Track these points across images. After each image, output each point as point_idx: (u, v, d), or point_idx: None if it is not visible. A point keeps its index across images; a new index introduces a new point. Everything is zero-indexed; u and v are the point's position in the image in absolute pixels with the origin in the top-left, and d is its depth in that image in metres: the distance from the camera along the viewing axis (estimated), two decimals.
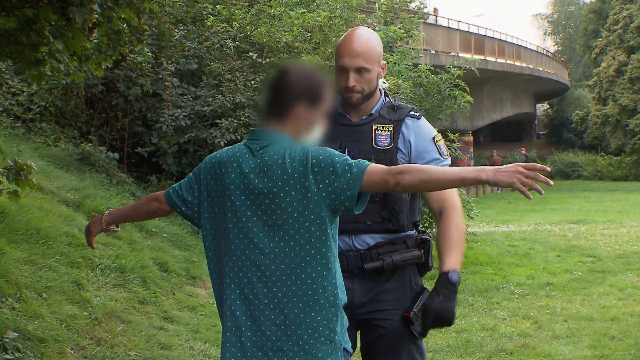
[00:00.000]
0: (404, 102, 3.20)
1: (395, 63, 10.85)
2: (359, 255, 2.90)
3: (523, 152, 40.01)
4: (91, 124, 10.87)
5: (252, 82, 10.71)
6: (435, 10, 32.50)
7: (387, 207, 2.90)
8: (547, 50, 50.06)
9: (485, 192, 31.49)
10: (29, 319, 4.78)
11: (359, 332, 3.00)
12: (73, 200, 7.60)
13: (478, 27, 35.00)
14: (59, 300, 5.28)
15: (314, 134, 2.47)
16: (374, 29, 11.54)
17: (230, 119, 10.28)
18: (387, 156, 2.89)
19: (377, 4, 15.40)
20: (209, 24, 11.70)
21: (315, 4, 12.25)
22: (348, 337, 2.49)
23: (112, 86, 10.65)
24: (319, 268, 2.35)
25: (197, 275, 7.51)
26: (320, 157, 2.34)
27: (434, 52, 27.94)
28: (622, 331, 6.73)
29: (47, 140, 9.82)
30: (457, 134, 10.88)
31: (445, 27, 31.29)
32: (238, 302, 2.39)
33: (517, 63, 36.96)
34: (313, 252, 2.34)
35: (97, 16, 4.09)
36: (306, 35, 11.69)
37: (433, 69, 11.35)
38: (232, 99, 10.45)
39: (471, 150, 33.78)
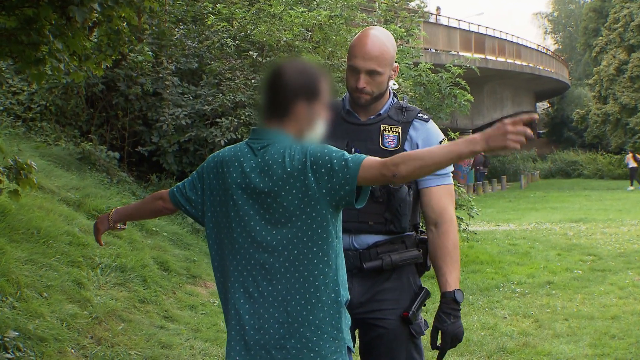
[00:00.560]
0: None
1: (395, 62, 10.83)
2: (358, 255, 2.90)
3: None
4: (91, 123, 10.87)
5: (253, 81, 10.70)
6: (438, 9, 32.51)
7: (391, 209, 2.90)
8: (547, 49, 50.07)
9: (486, 191, 31.49)
10: (29, 318, 4.78)
11: (357, 332, 3.00)
12: (73, 200, 7.60)
13: (478, 25, 35.02)
14: (59, 299, 5.28)
15: (317, 129, 2.48)
16: None
17: (230, 118, 10.28)
18: None
19: (377, 3, 15.38)
20: (209, 23, 11.70)
21: (315, 2, 12.24)
22: (350, 336, 2.49)
23: (113, 85, 10.65)
24: (321, 265, 2.36)
25: (198, 275, 7.51)
26: (319, 154, 2.35)
27: (434, 51, 27.94)
28: (622, 330, 6.73)
29: (47, 139, 9.83)
30: (458, 133, 10.87)
31: (446, 25, 31.30)
32: (242, 301, 2.40)
33: (518, 62, 36.97)
34: (315, 249, 2.35)
35: (97, 15, 4.09)
36: (306, 34, 11.69)
37: (433, 67, 11.35)
38: (232, 98, 10.45)
39: None
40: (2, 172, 4.12)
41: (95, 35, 4.72)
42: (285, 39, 11.08)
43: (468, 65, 11.54)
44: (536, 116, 2.24)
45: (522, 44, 39.02)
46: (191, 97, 10.87)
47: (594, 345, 6.23)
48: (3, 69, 4.33)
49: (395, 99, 3.06)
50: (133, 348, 5.19)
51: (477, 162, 33.40)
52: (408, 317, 2.88)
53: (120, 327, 5.42)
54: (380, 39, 2.91)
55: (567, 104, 52.32)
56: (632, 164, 31.61)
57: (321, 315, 2.36)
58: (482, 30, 34.64)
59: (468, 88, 11.02)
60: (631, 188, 30.06)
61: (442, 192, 2.95)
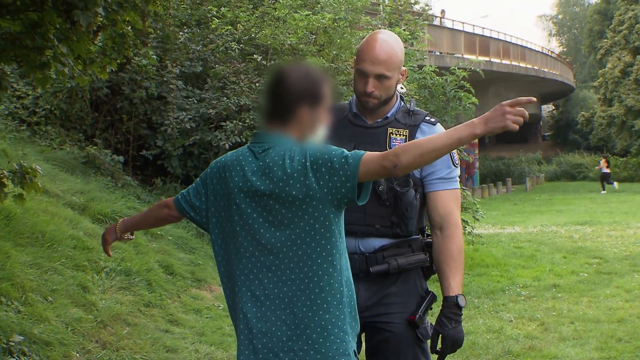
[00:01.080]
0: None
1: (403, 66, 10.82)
2: (364, 258, 2.89)
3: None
4: (96, 127, 10.88)
5: (257, 84, 10.71)
6: (443, 12, 32.47)
7: (397, 212, 2.89)
8: (552, 52, 50.01)
9: (491, 194, 31.45)
10: (34, 323, 4.78)
11: (363, 335, 2.99)
12: (78, 204, 7.61)
13: (483, 28, 35.04)
14: (64, 303, 5.28)
15: (319, 133, 2.47)
16: None
17: (235, 121, 10.29)
18: None
19: (381, 6, 15.40)
20: (213, 26, 11.71)
21: (319, 6, 12.24)
22: (356, 342, 2.48)
23: (117, 89, 10.67)
24: (325, 265, 2.35)
25: (203, 278, 7.51)
26: (318, 154, 2.35)
27: (438, 53, 27.93)
28: (629, 333, 6.70)
29: (52, 143, 9.85)
30: None
31: (450, 28, 31.29)
32: (249, 305, 2.40)
33: (522, 64, 36.94)
34: (318, 249, 2.35)
35: (101, 19, 4.09)
36: (310, 38, 11.68)
37: (438, 70, 11.34)
38: (236, 101, 10.45)
39: (476, 151, 33.75)
40: (7, 176, 4.12)
41: (99, 39, 4.72)
42: (289, 42, 11.08)
43: (472, 68, 11.53)
44: (534, 99, 2.26)
45: (526, 47, 38.99)
46: (196, 101, 10.88)
47: (600, 349, 6.21)
48: (8, 73, 4.33)
49: (403, 102, 3.05)
50: (138, 352, 5.19)
51: None
52: (415, 320, 2.88)
53: (125, 331, 5.42)
54: (389, 43, 2.90)
55: (572, 106, 52.24)
56: (605, 169, 32.93)
57: (327, 316, 2.35)
58: (487, 33, 34.63)
59: (473, 91, 11.00)
60: (604, 192, 30.52)
61: (448, 196, 2.94)
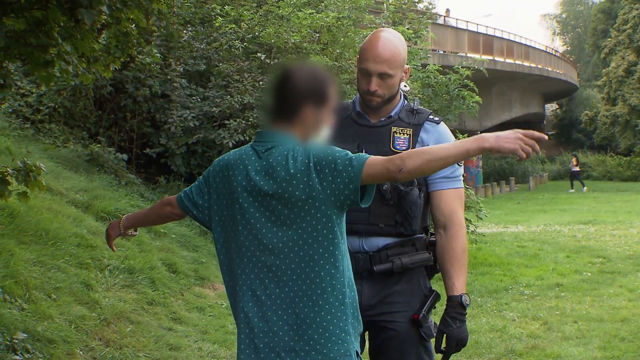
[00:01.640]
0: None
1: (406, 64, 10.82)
2: (368, 257, 2.89)
3: None
4: (100, 125, 10.90)
5: (261, 82, 10.71)
6: (447, 11, 32.43)
7: (401, 211, 2.88)
8: (555, 50, 49.93)
9: (494, 193, 31.43)
10: (38, 320, 4.79)
11: (367, 334, 2.99)
12: (82, 201, 7.61)
13: (486, 27, 35.00)
14: (68, 301, 5.29)
15: (323, 133, 2.47)
16: None
17: (238, 119, 10.29)
18: None
19: (385, 5, 15.38)
20: (217, 24, 11.71)
21: (323, 4, 12.23)
22: (359, 341, 2.48)
23: (121, 87, 10.68)
24: (327, 266, 2.35)
25: (206, 276, 7.51)
26: (322, 155, 2.34)
27: (442, 52, 27.91)
28: (632, 332, 6.69)
29: (56, 141, 9.85)
30: (466, 135, 10.82)
31: (454, 27, 31.26)
32: (250, 304, 2.40)
33: (526, 63, 36.88)
34: (321, 250, 2.34)
35: (105, 17, 4.10)
36: (314, 36, 11.68)
37: (441, 69, 11.33)
38: (240, 99, 10.46)
39: None
40: (11, 174, 4.12)
41: (103, 38, 4.73)
42: (293, 40, 11.08)
43: (476, 67, 11.52)
44: (546, 137, 2.26)
45: (530, 45, 38.93)
46: (199, 99, 10.88)
47: (604, 348, 6.21)
48: (12, 71, 4.33)
49: (406, 101, 3.04)
50: (141, 350, 5.20)
51: None
52: (418, 319, 2.88)
53: (128, 329, 5.43)
54: (392, 41, 2.90)
55: (575, 105, 52.16)
56: (575, 167, 33.36)
57: (329, 317, 2.35)
58: (491, 32, 34.58)
59: (476, 89, 11.00)
60: (572, 190, 30.71)
61: (452, 195, 2.93)
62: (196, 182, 2.62)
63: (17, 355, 4.31)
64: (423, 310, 2.89)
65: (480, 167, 33.53)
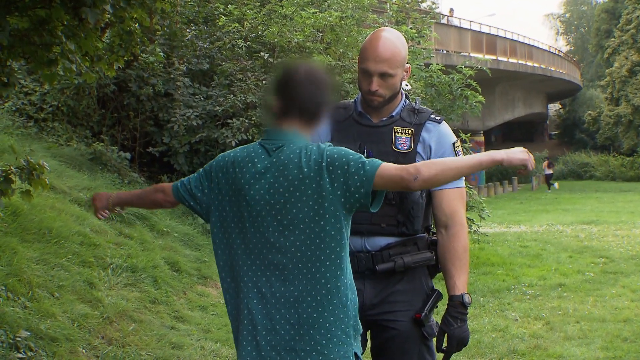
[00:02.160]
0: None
1: (407, 63, 10.81)
2: (370, 257, 2.89)
3: None
4: (103, 124, 10.91)
5: (264, 82, 10.71)
6: (451, 10, 32.38)
7: (403, 211, 2.89)
8: (559, 50, 49.90)
9: (497, 193, 31.41)
10: (41, 318, 4.80)
11: (369, 333, 2.99)
12: (85, 200, 7.62)
13: (490, 27, 34.93)
14: (70, 299, 5.30)
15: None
16: None
17: (241, 118, 10.30)
18: (406, 160, 2.87)
19: (388, 4, 15.38)
20: (220, 23, 11.72)
21: (326, 3, 12.24)
22: (360, 342, 2.49)
23: (124, 86, 10.69)
24: (333, 268, 2.35)
25: (208, 275, 7.52)
26: (335, 155, 2.35)
27: (445, 52, 27.89)
28: (634, 332, 6.69)
29: (59, 139, 9.86)
30: (469, 134, 10.81)
31: (457, 27, 31.23)
32: (255, 301, 2.40)
33: (529, 63, 36.86)
34: (328, 251, 2.34)
35: (109, 16, 4.09)
36: (317, 35, 11.69)
37: (445, 69, 11.32)
38: (243, 98, 10.46)
39: (482, 150, 33.71)
40: (15, 172, 4.13)
41: (107, 36, 4.73)
42: (296, 40, 11.09)
43: (479, 67, 11.51)
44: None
45: (533, 45, 38.90)
46: (202, 98, 10.89)
47: (606, 348, 6.20)
48: (16, 69, 4.34)
49: (408, 101, 3.04)
50: (144, 348, 5.20)
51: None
52: (420, 319, 2.88)
53: (131, 328, 5.43)
54: (392, 40, 2.90)
55: (579, 105, 52.12)
56: (548, 170, 33.97)
57: (331, 318, 2.35)
58: (494, 32, 34.55)
59: (479, 89, 10.98)
60: (549, 191, 31.07)
61: (453, 194, 2.93)
62: (195, 175, 2.59)
63: (20, 353, 4.31)
64: (425, 309, 2.89)
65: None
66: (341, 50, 11.50)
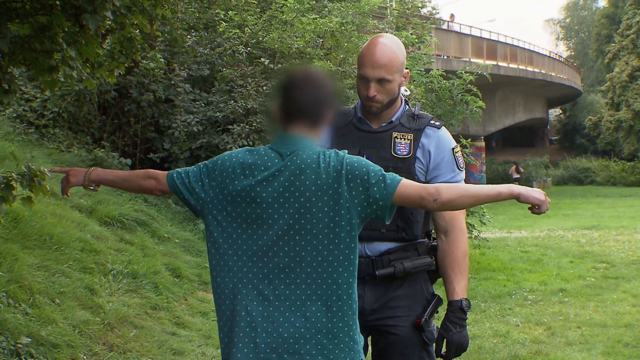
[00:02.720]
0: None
1: (406, 69, 10.83)
2: (370, 262, 2.90)
3: None
4: (104, 130, 10.92)
5: (264, 87, 10.73)
6: (452, 16, 32.40)
7: (403, 217, 2.89)
8: (559, 56, 49.90)
9: None
10: (42, 325, 4.80)
11: (369, 339, 2.99)
12: (86, 206, 7.63)
13: (490, 32, 34.94)
14: (71, 305, 5.30)
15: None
16: None
17: (242, 124, 10.31)
18: (405, 165, 2.88)
19: (388, 10, 15.41)
20: (221, 30, 11.74)
21: (327, 9, 12.26)
22: (362, 347, 2.48)
23: (125, 92, 10.70)
24: (346, 274, 2.34)
25: (209, 281, 7.49)
26: (356, 164, 2.35)
27: (446, 57, 27.89)
28: (636, 338, 6.69)
29: (60, 146, 9.87)
30: (469, 140, 10.81)
31: (457, 32, 31.24)
32: (255, 303, 2.37)
33: (530, 68, 36.86)
34: (341, 258, 2.33)
35: (110, 23, 4.11)
36: (318, 41, 11.70)
37: (445, 74, 11.34)
38: (244, 104, 10.47)
39: (483, 155, 33.71)
40: (16, 179, 4.13)
41: (108, 43, 4.74)
42: (296, 45, 11.11)
43: (480, 72, 11.52)
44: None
45: (534, 51, 38.90)
46: (203, 104, 10.90)
47: (607, 353, 6.20)
48: (17, 76, 4.34)
49: (407, 106, 3.05)
50: (145, 354, 5.20)
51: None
52: (420, 324, 2.88)
53: (132, 334, 5.43)
54: (389, 46, 2.91)
55: (579, 110, 52.10)
56: (515, 175, 34.33)
57: (340, 324, 2.34)
58: (494, 37, 34.56)
59: (480, 95, 11.00)
60: None
61: None
62: (195, 169, 2.52)
63: (21, 359, 4.31)
64: (425, 314, 2.90)
65: (483, 172, 33.47)
66: (342, 56, 11.51)
